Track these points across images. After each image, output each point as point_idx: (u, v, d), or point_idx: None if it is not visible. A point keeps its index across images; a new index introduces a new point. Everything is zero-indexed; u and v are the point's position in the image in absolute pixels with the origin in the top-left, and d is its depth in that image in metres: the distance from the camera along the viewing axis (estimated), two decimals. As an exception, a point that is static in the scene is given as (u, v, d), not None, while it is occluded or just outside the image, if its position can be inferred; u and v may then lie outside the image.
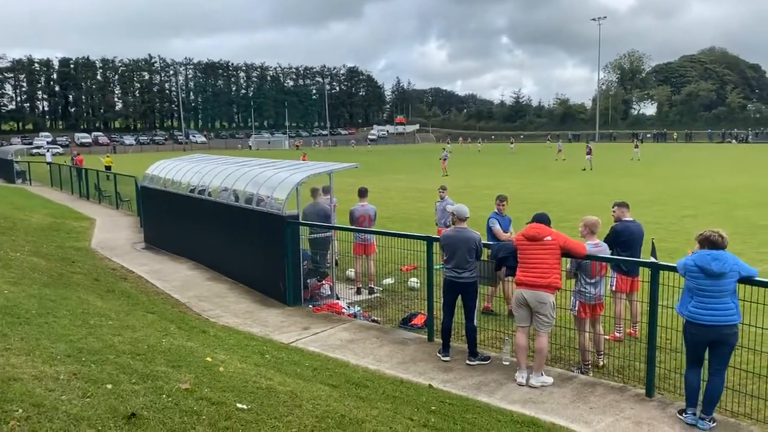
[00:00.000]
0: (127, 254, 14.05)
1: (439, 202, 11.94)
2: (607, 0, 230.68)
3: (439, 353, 7.29)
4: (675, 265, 5.63)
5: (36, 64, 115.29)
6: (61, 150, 75.42)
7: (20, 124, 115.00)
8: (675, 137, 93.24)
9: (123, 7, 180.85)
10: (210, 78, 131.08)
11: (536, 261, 6.43)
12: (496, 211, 9.37)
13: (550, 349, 7.02)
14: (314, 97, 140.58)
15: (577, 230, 7.39)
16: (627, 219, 8.05)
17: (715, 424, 5.36)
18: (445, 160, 38.80)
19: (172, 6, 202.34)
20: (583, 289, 6.89)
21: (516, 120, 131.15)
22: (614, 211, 8.20)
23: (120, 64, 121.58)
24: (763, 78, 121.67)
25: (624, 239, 7.80)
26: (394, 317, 9.07)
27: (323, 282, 10.29)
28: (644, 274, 6.43)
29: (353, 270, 11.03)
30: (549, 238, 6.44)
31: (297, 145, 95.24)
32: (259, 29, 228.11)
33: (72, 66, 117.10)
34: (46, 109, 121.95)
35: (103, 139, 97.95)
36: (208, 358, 5.40)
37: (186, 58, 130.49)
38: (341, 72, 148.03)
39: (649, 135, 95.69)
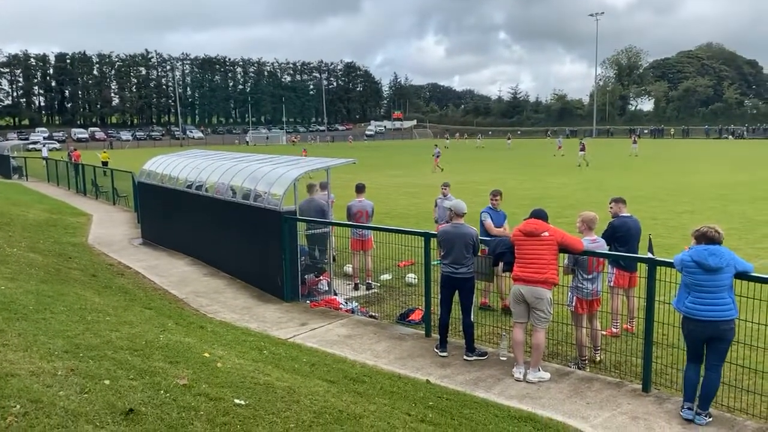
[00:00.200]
0: (124, 250, 14.03)
1: (441, 199, 11.69)
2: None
3: (436, 349, 7.30)
4: (672, 260, 5.64)
5: (32, 59, 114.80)
6: (57, 145, 75.24)
7: (16, 119, 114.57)
8: (672, 133, 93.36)
9: (120, 2, 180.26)
10: (207, 73, 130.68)
11: (534, 257, 6.44)
12: (489, 206, 9.38)
13: (548, 344, 7.04)
14: (311, 92, 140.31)
15: (575, 226, 7.41)
16: (624, 215, 8.07)
17: (711, 419, 5.38)
18: (437, 156, 38.80)
19: (169, 1, 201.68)
20: (581, 285, 6.91)
21: (513, 116, 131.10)
22: (611, 207, 8.21)
23: (117, 60, 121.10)
24: (760, 74, 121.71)
25: (621, 235, 7.82)
26: (391, 313, 9.08)
27: (321, 278, 10.29)
28: (641, 269, 6.45)
29: (351, 266, 11.03)
30: (546, 233, 6.44)
31: (293, 141, 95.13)
32: (257, 24, 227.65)
33: (68, 61, 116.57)
34: (42, 104, 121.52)
35: (99, 134, 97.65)
36: (206, 354, 5.40)
37: (183, 53, 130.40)
38: (338, 67, 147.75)
39: (646, 131, 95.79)
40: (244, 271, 11.03)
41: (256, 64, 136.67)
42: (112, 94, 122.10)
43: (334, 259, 11.24)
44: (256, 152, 16.76)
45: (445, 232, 7.22)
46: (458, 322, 7.35)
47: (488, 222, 9.13)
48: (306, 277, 10.04)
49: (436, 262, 7.69)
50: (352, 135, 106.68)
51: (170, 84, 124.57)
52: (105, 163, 32.95)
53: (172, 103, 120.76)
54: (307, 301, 9.65)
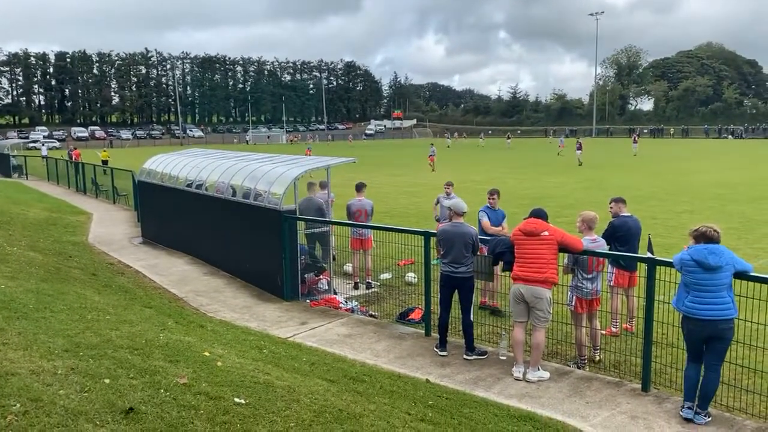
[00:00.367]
0: (124, 249, 14.03)
1: (444, 198, 11.51)
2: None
3: (436, 348, 7.30)
4: (671, 260, 5.65)
5: (32, 58, 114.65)
6: (57, 144, 75.26)
7: (16, 118, 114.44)
8: (672, 133, 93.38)
9: (120, 0, 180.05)
10: (207, 72, 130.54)
11: (533, 256, 6.45)
12: (487, 205, 9.37)
13: (547, 344, 7.04)
14: (311, 91, 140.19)
15: (575, 225, 7.41)
16: (624, 214, 8.07)
17: (710, 419, 5.39)
18: (432, 155, 38.80)
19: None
20: (580, 284, 6.92)
21: (513, 115, 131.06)
22: (611, 207, 8.21)
23: (117, 58, 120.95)
24: (759, 74, 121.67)
25: (621, 234, 7.82)
26: (391, 312, 9.09)
27: (321, 277, 10.30)
28: (641, 269, 6.45)
29: (351, 265, 11.03)
30: (546, 233, 6.45)
31: (291, 140, 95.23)
32: (257, 23, 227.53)
33: (68, 60, 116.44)
34: (42, 103, 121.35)
35: (99, 133, 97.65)
36: (206, 353, 5.40)
37: (183, 52, 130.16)
38: (339, 67, 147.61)
39: (645, 130, 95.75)
40: (243, 270, 11.03)
41: (256, 63, 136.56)
42: (112, 93, 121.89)
43: (334, 258, 11.24)
44: (256, 151, 16.76)
45: (445, 231, 7.22)
46: (458, 321, 7.35)
47: (485, 221, 9.12)
48: (306, 276, 10.05)
49: (435, 261, 7.70)
50: (352, 134, 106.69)
51: (170, 83, 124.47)
52: (105, 162, 32.97)
53: (172, 102, 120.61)
54: (307, 300, 9.66)
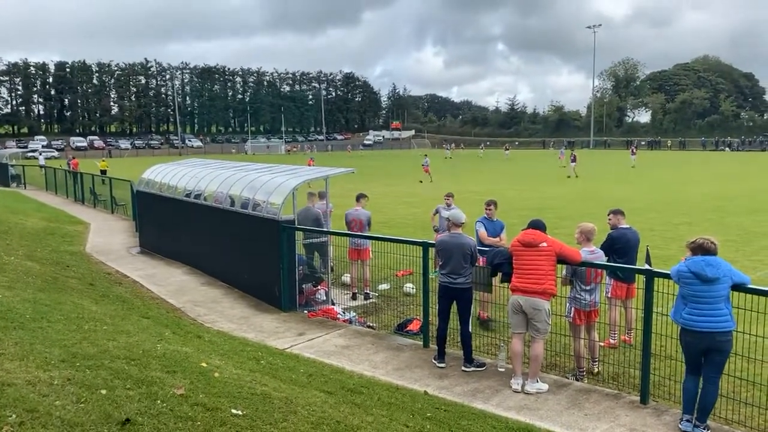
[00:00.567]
0: (122, 258, 14.01)
1: (444, 209, 11.36)
2: (602, 8, 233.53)
3: (434, 360, 7.28)
4: (669, 272, 5.65)
5: (32, 68, 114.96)
6: (56, 154, 75.28)
7: (15, 127, 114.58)
8: (669, 145, 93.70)
9: (120, 11, 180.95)
10: (206, 82, 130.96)
11: (532, 267, 6.45)
12: (484, 215, 9.36)
13: (546, 355, 7.02)
14: (311, 102, 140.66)
15: (573, 237, 7.41)
16: (623, 226, 8.07)
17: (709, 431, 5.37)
18: (426, 166, 38.86)
19: (169, 10, 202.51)
20: (579, 296, 6.91)
21: (511, 126, 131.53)
22: (610, 219, 8.22)
23: (116, 68, 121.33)
24: (756, 87, 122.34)
25: (620, 246, 7.82)
26: (389, 323, 9.07)
27: (318, 287, 10.28)
28: (639, 281, 6.45)
29: (348, 275, 11.02)
30: (545, 244, 6.45)
31: (288, 150, 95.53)
32: (256, 34, 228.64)
33: (68, 70, 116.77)
34: (41, 112, 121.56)
35: (98, 143, 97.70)
36: (203, 364, 5.38)
37: (182, 63, 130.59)
38: (338, 78, 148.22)
39: (643, 142, 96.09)
40: (241, 280, 11.01)
41: (255, 74, 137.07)
42: (112, 103, 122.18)
43: (332, 269, 11.23)
44: (254, 161, 16.77)
45: (443, 242, 7.23)
46: (456, 332, 7.33)
47: (482, 231, 9.10)
48: (304, 286, 10.03)
49: (434, 274, 7.69)
50: (351, 144, 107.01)
51: (169, 93, 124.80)
52: (104, 172, 32.97)
53: (171, 112, 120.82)
54: (305, 311, 9.63)
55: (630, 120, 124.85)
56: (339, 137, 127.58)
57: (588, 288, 6.90)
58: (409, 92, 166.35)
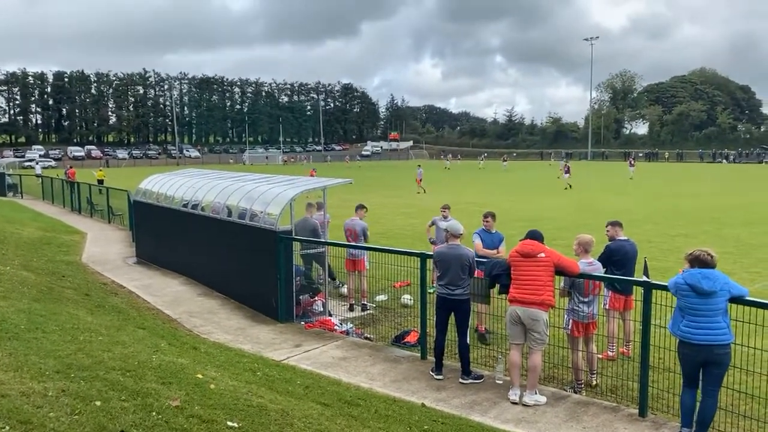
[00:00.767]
0: (118, 269, 13.95)
1: (440, 221, 11.26)
2: (600, 20, 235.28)
3: (432, 372, 7.24)
4: (667, 284, 5.64)
5: (30, 78, 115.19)
6: (53, 163, 75.23)
7: (13, 137, 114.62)
8: (666, 157, 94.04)
9: (118, 21, 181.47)
10: (204, 93, 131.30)
11: (530, 278, 6.44)
12: (483, 227, 9.32)
13: (544, 368, 6.99)
14: (309, 113, 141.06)
15: (570, 248, 7.40)
16: (621, 238, 8.07)
17: (708, 445, 5.33)
18: (420, 177, 38.88)
19: (168, 21, 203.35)
20: (577, 308, 6.89)
21: (509, 138, 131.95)
22: (608, 230, 8.22)
23: (114, 78, 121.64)
24: (752, 99, 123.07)
25: (618, 258, 7.82)
26: (387, 334, 9.03)
27: (316, 298, 10.24)
28: (637, 293, 6.44)
29: (345, 286, 10.98)
30: (543, 255, 6.45)
31: (285, 161, 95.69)
32: (255, 45, 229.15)
33: (66, 79, 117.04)
34: (39, 122, 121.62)
35: (96, 152, 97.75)
36: (199, 375, 5.34)
37: (181, 73, 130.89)
38: (336, 89, 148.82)
39: (641, 154, 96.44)
40: (238, 291, 10.97)
41: (253, 85, 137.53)
42: (110, 113, 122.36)
43: (333, 278, 11.22)
44: (252, 172, 16.77)
45: (441, 253, 7.22)
46: (454, 344, 7.30)
47: (477, 242, 9.03)
48: (301, 297, 9.99)
49: (432, 290, 7.67)
50: (349, 155, 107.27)
51: (168, 103, 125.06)
52: (101, 182, 32.94)
53: (169, 122, 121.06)
54: (302, 322, 9.59)
55: (627, 132, 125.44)
56: (337, 148, 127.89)
57: (586, 300, 6.88)
58: (407, 103, 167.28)
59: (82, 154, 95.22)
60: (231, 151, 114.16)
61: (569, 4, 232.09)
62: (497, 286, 6.93)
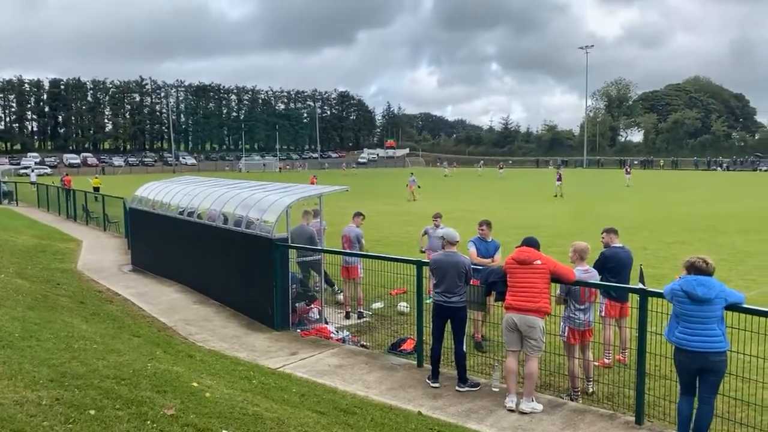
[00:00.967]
0: (113, 276, 13.90)
1: (432, 229, 11.24)
2: (595, 29, 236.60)
3: (428, 379, 7.22)
4: (663, 291, 5.65)
5: (26, 85, 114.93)
6: (49, 170, 75.06)
7: (9, 144, 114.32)
8: (662, 164, 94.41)
9: (115, 29, 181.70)
10: (201, 100, 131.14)
11: (526, 285, 6.44)
12: (478, 236, 9.30)
13: (540, 375, 6.98)
14: (305, 120, 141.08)
15: (567, 256, 7.41)
16: (616, 245, 8.09)
17: (705, 453, 5.32)
18: (412, 185, 38.92)
19: (165, 29, 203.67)
20: (573, 315, 6.89)
21: (504, 145, 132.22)
22: (603, 238, 8.24)
23: (111, 86, 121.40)
24: (746, 107, 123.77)
25: (613, 265, 7.83)
26: (383, 342, 9.00)
27: (311, 306, 10.22)
28: (633, 300, 6.44)
29: (342, 294, 10.97)
30: (539, 262, 6.46)
31: (280, 168, 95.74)
32: (252, 53, 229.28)
33: (62, 87, 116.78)
34: (35, 129, 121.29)
35: (92, 160, 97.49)
36: (194, 383, 5.32)
37: (177, 80, 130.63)
38: (332, 96, 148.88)
39: (636, 162, 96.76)
40: (234, 298, 10.94)
41: (250, 92, 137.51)
42: (106, 120, 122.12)
43: (332, 285, 11.21)
44: (248, 179, 16.77)
45: (438, 261, 7.21)
46: (451, 351, 7.29)
47: (472, 250, 8.98)
48: (297, 305, 9.97)
49: (429, 300, 7.66)
50: (345, 163, 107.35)
51: (164, 110, 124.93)
52: (96, 189, 32.86)
53: (166, 130, 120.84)
54: (298, 330, 9.56)
55: (623, 139, 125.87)
56: (333, 155, 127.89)
57: (582, 307, 6.88)
58: (403, 111, 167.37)
59: (78, 161, 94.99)
60: (227, 158, 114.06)
61: (564, 13, 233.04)
62: (493, 293, 6.93)
